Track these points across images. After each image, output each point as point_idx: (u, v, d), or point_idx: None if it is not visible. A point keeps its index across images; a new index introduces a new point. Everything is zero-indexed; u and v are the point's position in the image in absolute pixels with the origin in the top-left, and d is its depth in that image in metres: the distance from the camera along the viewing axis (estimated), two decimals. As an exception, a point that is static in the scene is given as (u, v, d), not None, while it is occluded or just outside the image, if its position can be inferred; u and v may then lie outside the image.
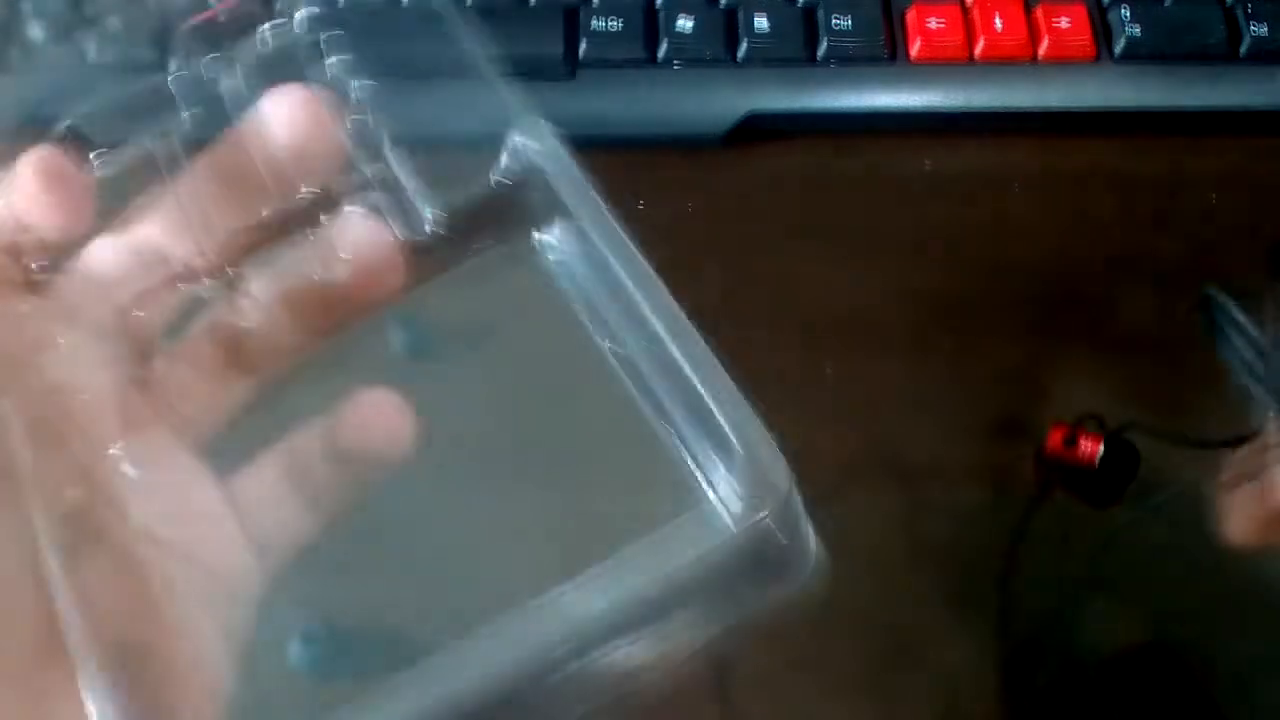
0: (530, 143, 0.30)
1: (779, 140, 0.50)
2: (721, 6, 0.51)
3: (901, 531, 0.42)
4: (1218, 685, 0.38)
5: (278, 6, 0.32)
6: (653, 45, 0.50)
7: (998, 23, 0.50)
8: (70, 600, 0.25)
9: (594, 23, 0.50)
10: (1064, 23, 0.50)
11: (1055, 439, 0.42)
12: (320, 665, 0.39)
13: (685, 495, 0.28)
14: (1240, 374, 0.34)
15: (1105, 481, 0.42)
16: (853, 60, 0.50)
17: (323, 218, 0.30)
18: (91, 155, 0.30)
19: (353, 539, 0.42)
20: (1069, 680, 0.40)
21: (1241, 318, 0.34)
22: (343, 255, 0.29)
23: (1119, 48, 0.50)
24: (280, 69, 0.30)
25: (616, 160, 0.50)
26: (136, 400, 0.28)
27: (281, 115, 0.29)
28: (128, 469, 0.27)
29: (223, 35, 0.31)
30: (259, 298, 0.29)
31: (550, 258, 0.32)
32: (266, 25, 0.30)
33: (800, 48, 0.50)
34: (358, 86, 0.31)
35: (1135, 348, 0.46)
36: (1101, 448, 0.42)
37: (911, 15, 0.51)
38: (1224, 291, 0.35)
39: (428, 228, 0.30)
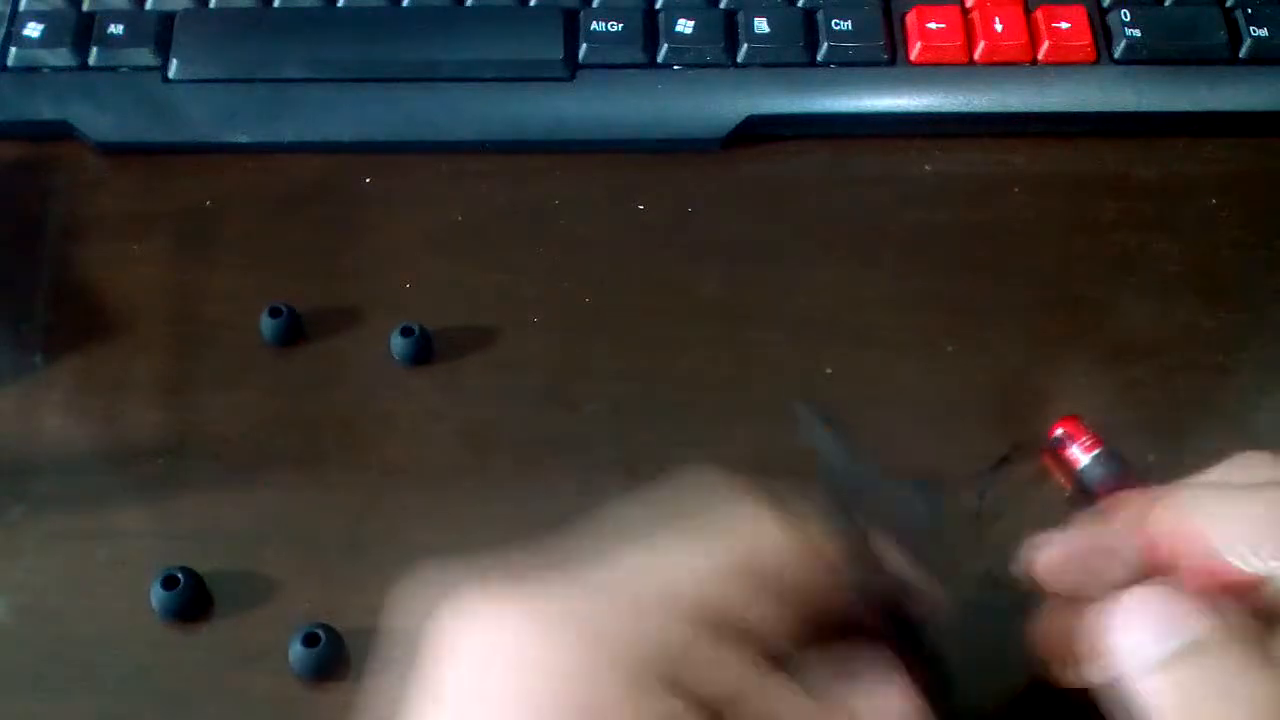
0: None
1: (779, 142, 0.50)
2: (721, 9, 0.51)
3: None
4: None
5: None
6: (652, 47, 0.50)
7: (998, 25, 0.50)
8: None
9: (594, 25, 0.50)
10: (1064, 25, 0.50)
11: (1053, 431, 0.42)
12: (320, 665, 0.39)
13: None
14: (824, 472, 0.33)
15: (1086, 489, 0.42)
16: (853, 63, 0.50)
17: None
18: None
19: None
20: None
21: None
22: None
23: (1119, 50, 0.50)
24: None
25: (617, 162, 0.50)
26: None
27: None
28: None
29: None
30: None
31: None
32: None
33: (800, 50, 0.50)
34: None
35: (1134, 350, 0.46)
36: (1086, 457, 0.41)
37: (911, 17, 0.51)
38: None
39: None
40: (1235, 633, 0.28)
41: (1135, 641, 0.28)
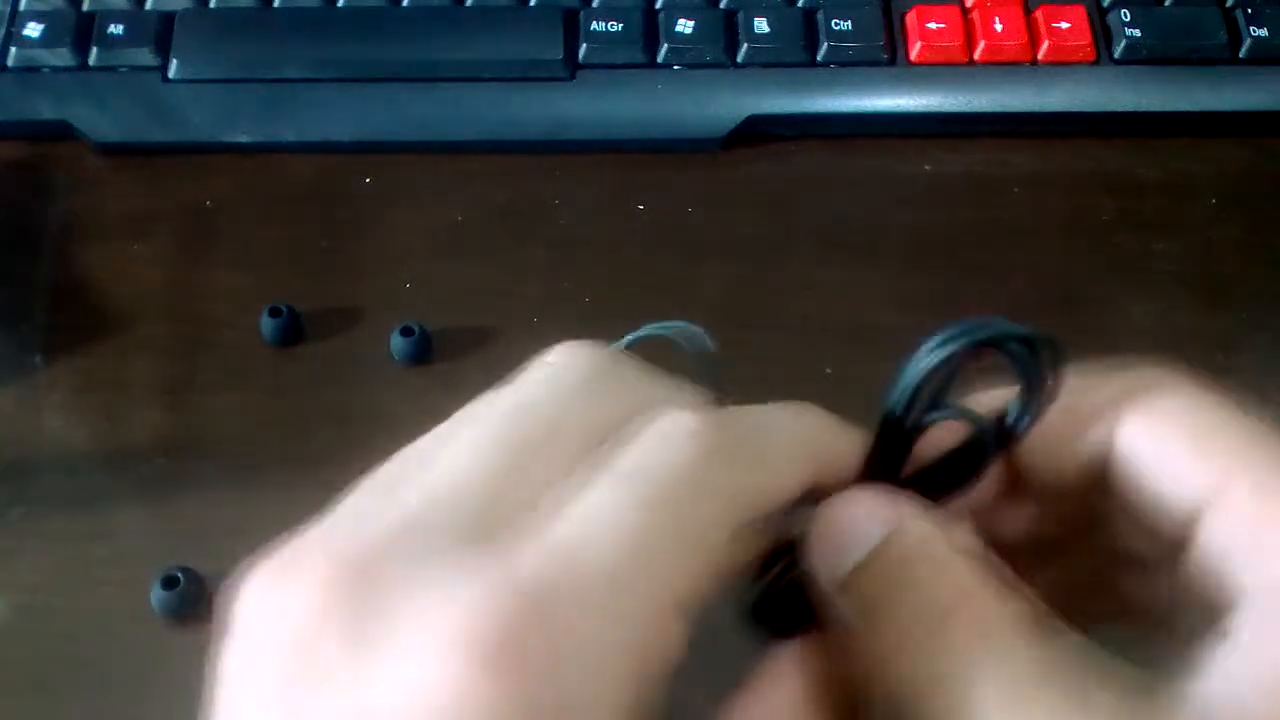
0: None
1: (779, 142, 0.50)
2: (721, 9, 0.51)
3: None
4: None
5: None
6: (652, 47, 0.50)
7: (998, 25, 0.50)
8: None
9: (594, 25, 0.50)
10: (1064, 25, 0.50)
11: None
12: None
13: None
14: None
15: None
16: (853, 62, 0.50)
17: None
18: None
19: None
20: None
21: None
22: None
23: (1119, 50, 0.50)
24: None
25: (616, 162, 0.50)
26: None
27: None
28: None
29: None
30: None
31: None
32: None
33: (800, 50, 0.50)
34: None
35: (1135, 351, 0.46)
36: None
37: (911, 17, 0.51)
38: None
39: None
40: (924, 529, 0.24)
41: (822, 556, 0.25)
